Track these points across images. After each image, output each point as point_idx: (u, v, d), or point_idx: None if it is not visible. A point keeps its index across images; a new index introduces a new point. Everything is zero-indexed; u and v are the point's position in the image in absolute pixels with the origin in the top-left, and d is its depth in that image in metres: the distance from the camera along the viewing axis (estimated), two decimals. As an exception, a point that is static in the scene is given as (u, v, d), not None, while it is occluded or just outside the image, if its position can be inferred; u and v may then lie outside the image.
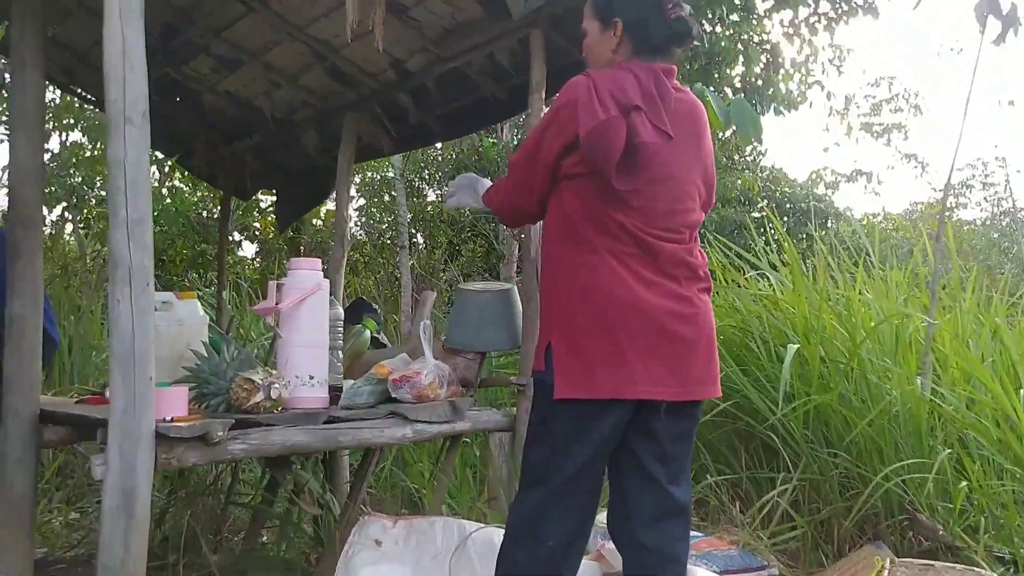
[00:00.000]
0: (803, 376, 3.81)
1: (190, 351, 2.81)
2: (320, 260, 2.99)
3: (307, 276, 2.90)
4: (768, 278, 4.42)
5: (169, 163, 6.82)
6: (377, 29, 3.11)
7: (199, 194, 9.75)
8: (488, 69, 3.67)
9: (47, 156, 6.98)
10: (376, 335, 3.65)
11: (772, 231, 5.63)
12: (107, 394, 2.48)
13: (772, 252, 4.74)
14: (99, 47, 2.25)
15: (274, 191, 5.77)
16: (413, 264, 9.68)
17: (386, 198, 11.34)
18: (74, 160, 7.19)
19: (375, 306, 3.96)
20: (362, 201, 11.96)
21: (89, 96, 4.86)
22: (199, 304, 3.09)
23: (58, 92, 6.54)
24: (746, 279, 4.47)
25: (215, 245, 11.18)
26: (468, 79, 3.75)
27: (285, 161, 4.96)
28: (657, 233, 2.13)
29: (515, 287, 3.18)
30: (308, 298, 2.85)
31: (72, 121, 7.08)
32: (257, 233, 11.72)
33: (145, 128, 2.27)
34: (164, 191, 7.63)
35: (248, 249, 11.98)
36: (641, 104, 2.05)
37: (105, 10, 2.38)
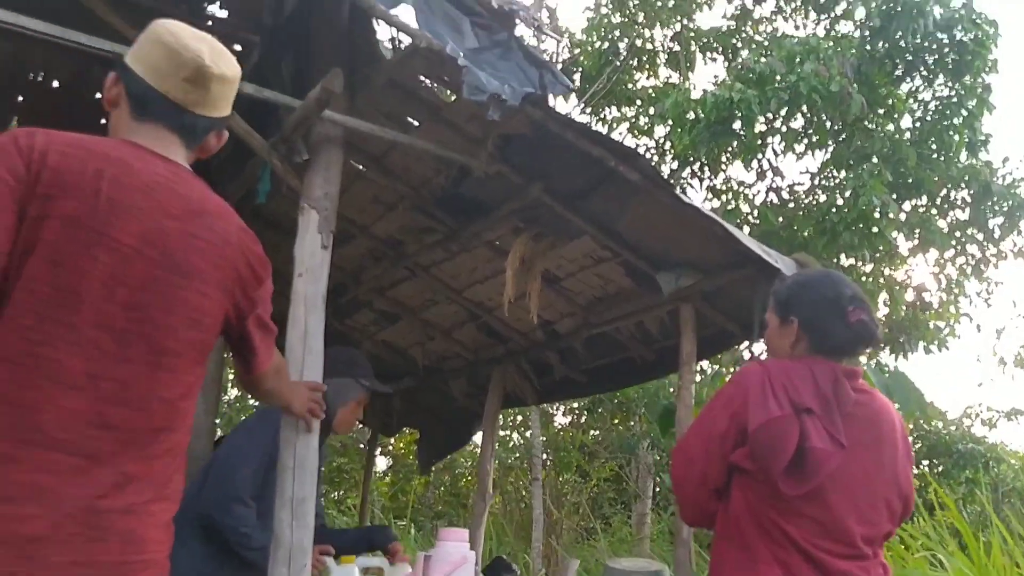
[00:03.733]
0: None
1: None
2: (467, 532, 2.98)
3: (454, 549, 2.89)
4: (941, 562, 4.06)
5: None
6: (532, 304, 3.27)
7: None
8: (636, 334, 3.74)
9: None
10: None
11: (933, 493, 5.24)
12: None
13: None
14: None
15: (418, 430, 5.91)
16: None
17: (518, 419, 11.41)
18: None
19: (514, 567, 3.87)
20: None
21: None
22: (356, 570, 3.07)
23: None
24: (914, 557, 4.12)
25: (350, 459, 11.51)
26: (615, 341, 3.83)
27: (431, 404, 5.11)
28: (827, 547, 1.99)
29: (667, 568, 3.04)
30: (455, 572, 2.83)
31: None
32: (390, 449, 11.95)
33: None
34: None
35: (381, 463, 12.19)
36: (815, 407, 1.98)
37: (292, 300, 2.61)
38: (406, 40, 2.72)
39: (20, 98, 3.88)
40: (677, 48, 9.64)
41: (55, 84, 3.83)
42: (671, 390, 7.29)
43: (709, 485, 2.08)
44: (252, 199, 3.01)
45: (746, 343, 3.89)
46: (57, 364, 1.39)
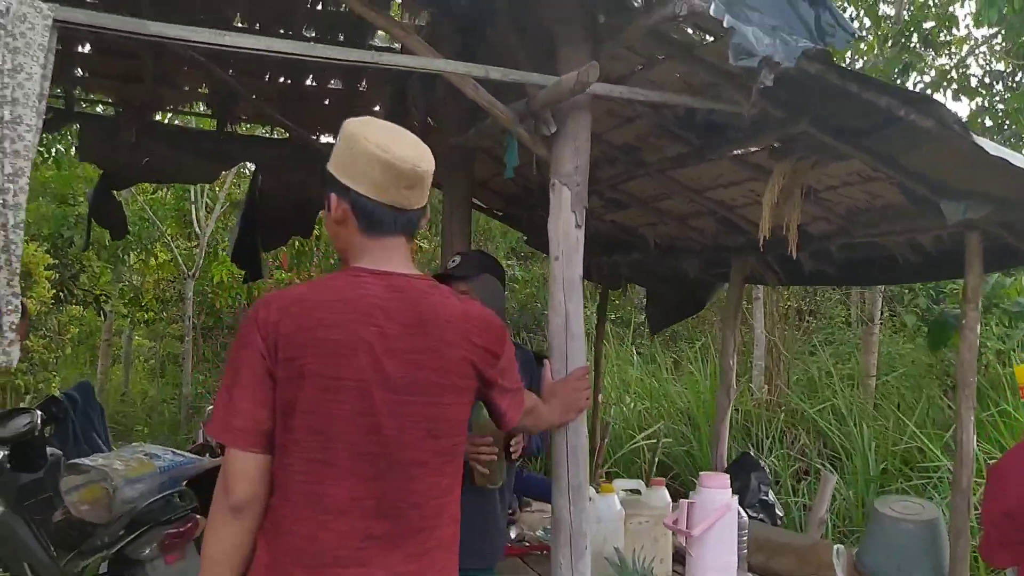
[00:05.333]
0: None
1: (604, 557, 2.94)
2: (728, 477, 2.98)
3: (717, 496, 2.92)
4: None
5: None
6: (791, 234, 3.02)
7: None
8: (903, 243, 3.40)
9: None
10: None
11: None
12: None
13: None
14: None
15: (645, 289, 5.88)
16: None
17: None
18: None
19: (761, 463, 3.90)
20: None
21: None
22: (616, 499, 3.19)
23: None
24: None
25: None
26: (877, 246, 3.51)
27: (661, 270, 5.02)
28: None
29: (941, 516, 2.93)
30: (719, 521, 2.87)
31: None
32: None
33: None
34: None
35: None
36: None
37: (551, 284, 2.55)
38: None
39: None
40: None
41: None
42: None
43: None
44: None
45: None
46: (327, 498, 1.60)
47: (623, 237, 4.81)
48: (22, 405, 6.00)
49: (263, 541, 1.62)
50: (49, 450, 4.00)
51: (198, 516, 3.47)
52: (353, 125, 1.72)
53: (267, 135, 5.54)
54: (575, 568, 2.46)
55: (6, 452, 3.75)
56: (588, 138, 2.55)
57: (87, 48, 4.22)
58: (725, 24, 2.17)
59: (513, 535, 3.57)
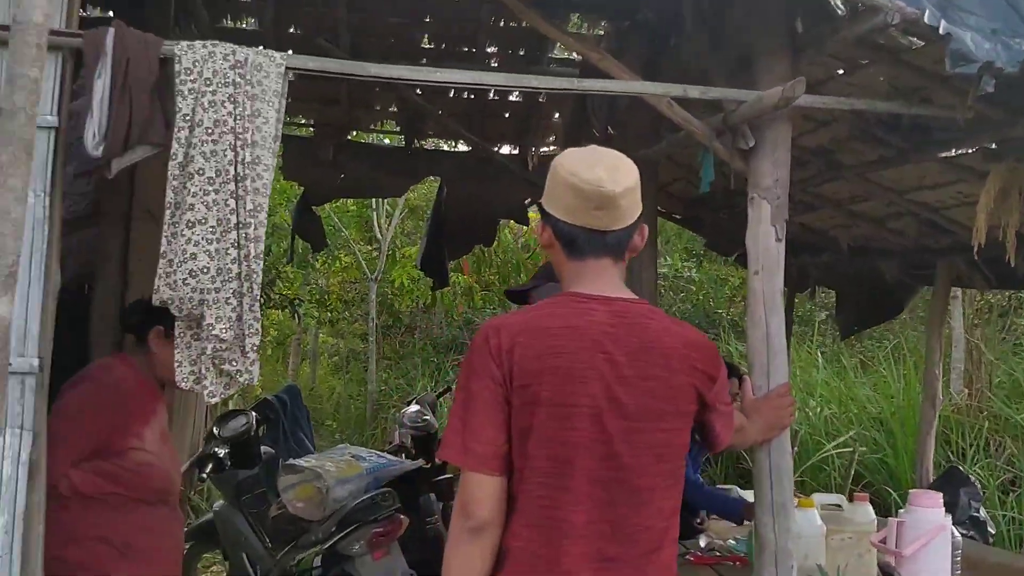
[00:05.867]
0: None
1: (806, 574, 2.87)
2: (941, 496, 2.85)
3: (929, 515, 2.80)
4: None
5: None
6: (1010, 243, 2.84)
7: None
8: None
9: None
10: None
11: None
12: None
13: None
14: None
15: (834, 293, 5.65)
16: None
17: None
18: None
19: (972, 478, 3.67)
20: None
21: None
22: (816, 514, 3.10)
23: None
24: None
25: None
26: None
27: (853, 275, 4.82)
28: None
29: None
30: (931, 543, 2.75)
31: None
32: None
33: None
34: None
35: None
36: None
37: (750, 299, 2.53)
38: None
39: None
40: None
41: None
42: None
43: None
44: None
45: None
46: (567, 523, 1.67)
47: (812, 239, 4.66)
48: (231, 407, 6.52)
49: (505, 564, 1.69)
50: (263, 449, 4.32)
51: (402, 516, 3.66)
52: (558, 156, 1.80)
53: (450, 148, 5.76)
54: (781, 587, 2.43)
55: (226, 450, 4.07)
56: (788, 150, 2.51)
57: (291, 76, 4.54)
58: (941, 31, 2.08)
59: (703, 544, 3.56)
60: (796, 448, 6.02)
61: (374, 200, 10.76)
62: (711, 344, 1.85)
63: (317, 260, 11.44)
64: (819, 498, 3.23)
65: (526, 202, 5.28)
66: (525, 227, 9.42)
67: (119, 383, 2.65)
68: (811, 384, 8.06)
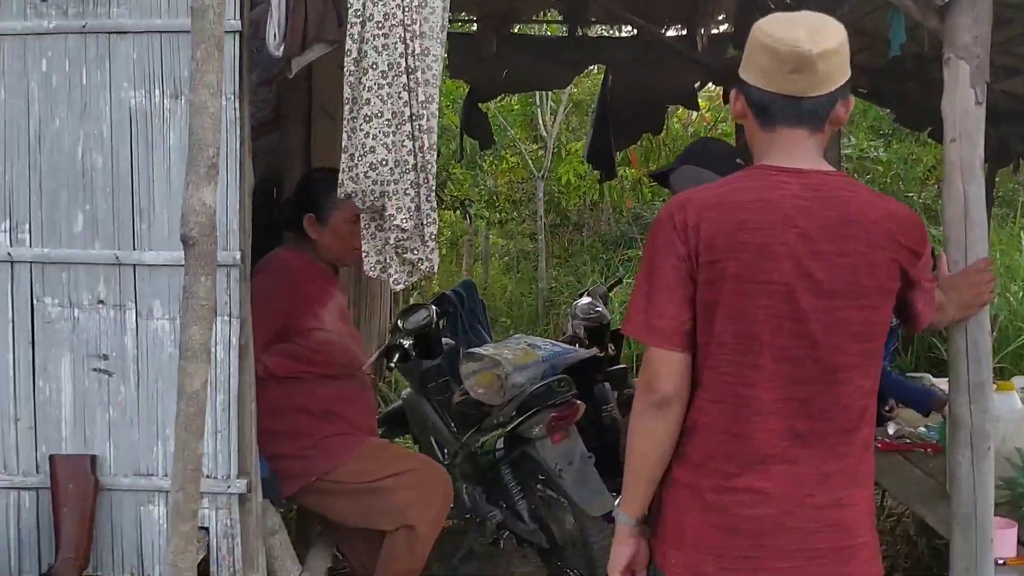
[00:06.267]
0: None
1: (1004, 457, 2.73)
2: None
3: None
4: None
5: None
6: None
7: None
8: None
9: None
10: None
11: None
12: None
13: None
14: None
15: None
16: None
17: None
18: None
19: None
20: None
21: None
22: (1016, 397, 2.94)
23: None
24: None
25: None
26: None
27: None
28: None
29: None
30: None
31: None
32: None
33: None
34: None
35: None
36: None
37: (946, 170, 2.35)
38: None
39: None
40: None
41: None
42: None
43: None
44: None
45: None
46: (756, 399, 1.66)
47: (1016, 107, 4.23)
48: (413, 302, 6.83)
49: (692, 438, 1.71)
50: (444, 340, 4.53)
51: (579, 402, 3.76)
52: (756, 24, 1.70)
53: (615, 35, 5.60)
54: (977, 469, 2.32)
55: (410, 342, 4.30)
56: (990, 4, 2.27)
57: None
58: None
59: (891, 431, 3.45)
60: (995, 333, 5.63)
61: (538, 97, 10.69)
62: (916, 218, 1.74)
63: (485, 160, 11.56)
64: (1019, 381, 3.05)
65: (695, 85, 5.09)
66: (695, 113, 9.11)
67: (288, 270, 2.87)
68: (1012, 268, 7.49)
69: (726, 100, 5.46)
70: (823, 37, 1.62)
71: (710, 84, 5.63)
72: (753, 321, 1.62)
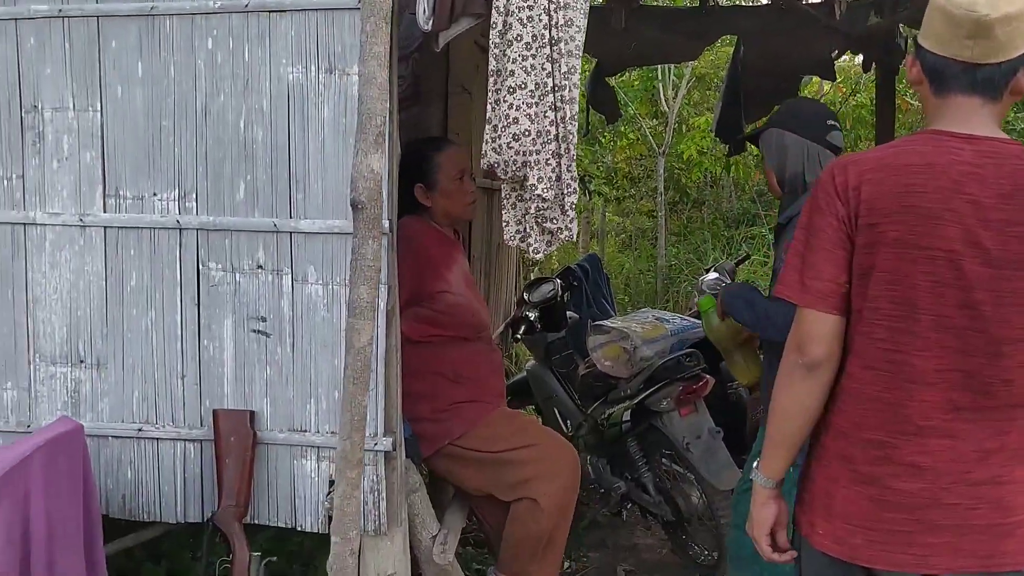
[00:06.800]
0: None
1: None
2: None
3: None
4: None
5: None
6: None
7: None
8: None
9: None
10: None
11: None
12: None
13: None
14: None
15: None
16: None
17: None
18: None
19: None
20: None
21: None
22: None
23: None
24: None
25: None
26: None
27: None
28: None
29: None
30: None
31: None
32: None
33: None
34: None
35: None
36: None
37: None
38: None
39: None
40: None
41: None
42: None
43: None
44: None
45: None
46: (910, 367, 1.62)
47: None
48: (535, 275, 6.91)
49: (841, 405, 1.70)
50: (568, 313, 4.58)
51: (707, 376, 3.74)
52: None
53: (747, 3, 5.46)
54: None
55: (536, 314, 4.37)
56: None
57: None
58: None
59: None
60: None
61: (659, 71, 10.54)
62: None
63: (604, 136, 11.50)
64: None
65: (832, 54, 4.91)
66: (828, 83, 8.78)
67: (413, 236, 2.97)
68: None
69: (866, 68, 5.25)
70: (1004, 1, 1.55)
71: (846, 55, 5.43)
72: (912, 287, 1.59)
